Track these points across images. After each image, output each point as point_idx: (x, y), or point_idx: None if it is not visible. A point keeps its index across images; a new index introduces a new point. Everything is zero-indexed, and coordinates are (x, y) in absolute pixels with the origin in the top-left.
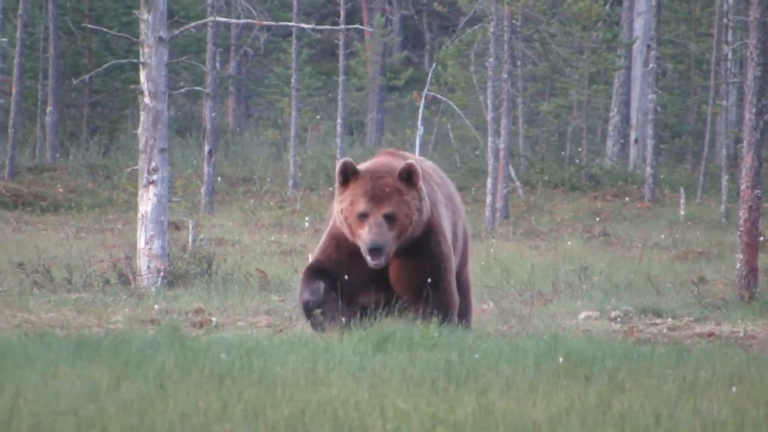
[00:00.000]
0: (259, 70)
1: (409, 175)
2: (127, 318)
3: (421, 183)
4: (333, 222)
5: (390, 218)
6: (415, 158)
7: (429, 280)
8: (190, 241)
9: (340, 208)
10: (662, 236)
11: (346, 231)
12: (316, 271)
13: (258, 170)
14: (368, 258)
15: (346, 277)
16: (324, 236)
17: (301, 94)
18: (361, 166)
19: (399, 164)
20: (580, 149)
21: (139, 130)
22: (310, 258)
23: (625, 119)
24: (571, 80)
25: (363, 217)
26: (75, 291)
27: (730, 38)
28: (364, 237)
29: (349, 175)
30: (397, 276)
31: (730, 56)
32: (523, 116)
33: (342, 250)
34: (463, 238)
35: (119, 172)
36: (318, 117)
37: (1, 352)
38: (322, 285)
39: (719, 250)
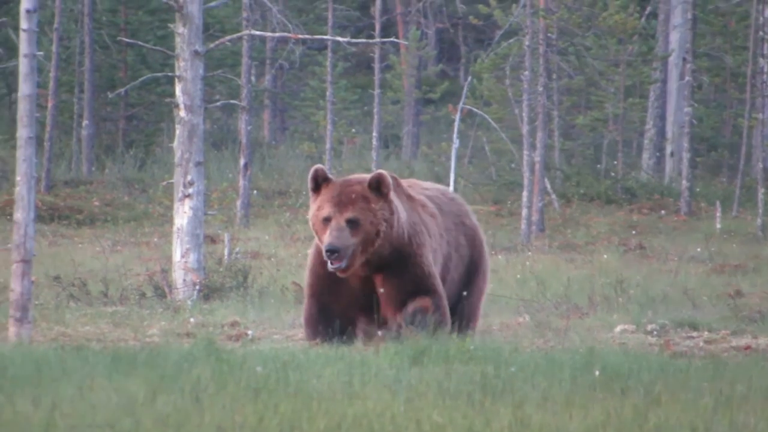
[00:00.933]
0: (294, 84)
1: (378, 185)
2: (163, 331)
3: (392, 195)
4: (316, 241)
5: (353, 223)
6: (423, 186)
7: (416, 297)
8: (225, 254)
9: (310, 214)
10: (698, 249)
11: (316, 238)
12: (314, 307)
13: (294, 183)
14: (328, 263)
15: (338, 298)
16: (308, 260)
17: (337, 108)
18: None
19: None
20: (615, 162)
21: (175, 144)
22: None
23: (661, 132)
24: (607, 93)
25: (326, 221)
26: (111, 304)
27: (766, 51)
28: (325, 240)
29: (319, 181)
30: (383, 293)
31: (766, 69)
32: (558, 129)
33: (324, 264)
34: (475, 256)
35: (155, 186)
36: (353, 130)
37: (38, 365)
38: (320, 328)
39: (755, 263)
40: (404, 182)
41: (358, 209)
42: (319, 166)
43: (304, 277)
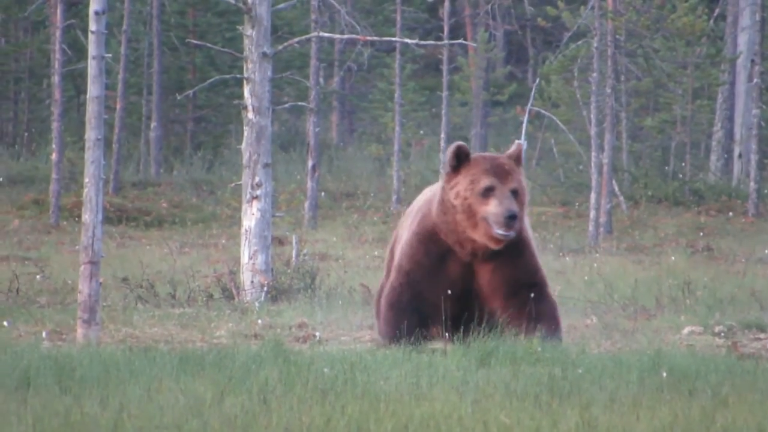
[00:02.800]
0: (362, 85)
1: (518, 156)
2: (231, 333)
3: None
4: (421, 223)
5: (515, 193)
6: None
7: (531, 293)
8: (293, 255)
9: (453, 192)
10: (766, 251)
11: (458, 218)
12: (406, 294)
13: (361, 185)
14: (500, 232)
15: (431, 288)
16: (405, 246)
17: (405, 110)
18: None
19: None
20: (683, 164)
21: (243, 145)
22: (388, 279)
23: (729, 134)
24: (675, 95)
25: (489, 191)
26: (179, 306)
27: None
28: (495, 209)
29: (462, 159)
30: (488, 284)
31: None
32: (626, 131)
33: (431, 255)
34: None
35: (223, 187)
36: (421, 132)
37: (106, 367)
38: (407, 317)
39: None
40: None
41: (516, 180)
42: (460, 142)
43: (397, 264)
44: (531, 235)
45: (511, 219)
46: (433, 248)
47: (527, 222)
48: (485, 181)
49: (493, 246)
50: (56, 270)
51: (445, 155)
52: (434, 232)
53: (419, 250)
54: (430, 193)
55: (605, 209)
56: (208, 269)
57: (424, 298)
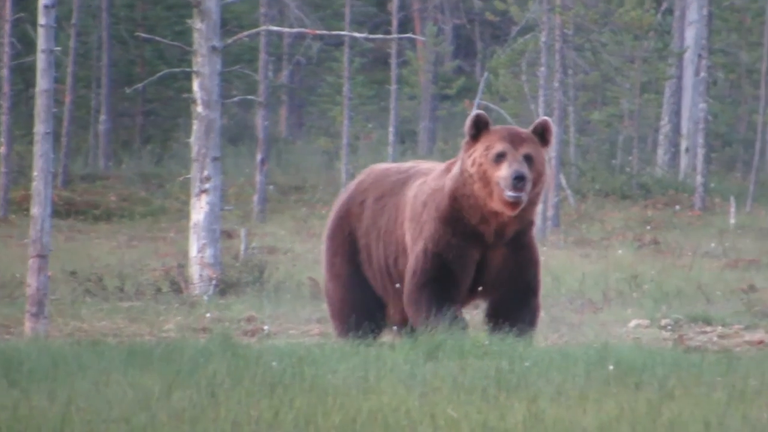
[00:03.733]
0: (311, 79)
1: (543, 131)
2: (179, 326)
3: (551, 146)
4: (435, 213)
5: (528, 159)
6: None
7: (525, 292)
8: (242, 249)
9: (470, 160)
10: (712, 245)
11: (474, 187)
12: (434, 272)
13: (310, 179)
14: (509, 194)
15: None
16: (429, 227)
17: (353, 103)
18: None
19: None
20: (630, 158)
21: (192, 139)
22: (413, 263)
23: (676, 128)
24: (622, 89)
25: (501, 156)
26: (127, 299)
27: None
28: (504, 173)
29: (481, 127)
30: (498, 269)
31: None
32: (574, 125)
33: (458, 236)
34: None
35: (172, 181)
36: (370, 126)
37: (54, 360)
38: (441, 311)
39: None
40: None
41: (531, 147)
42: (480, 111)
43: (421, 250)
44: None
45: (519, 180)
46: (459, 228)
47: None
48: (498, 147)
49: (509, 211)
50: (4, 263)
51: (465, 124)
52: (458, 214)
53: (443, 230)
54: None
55: (553, 203)
56: (157, 263)
57: (453, 280)
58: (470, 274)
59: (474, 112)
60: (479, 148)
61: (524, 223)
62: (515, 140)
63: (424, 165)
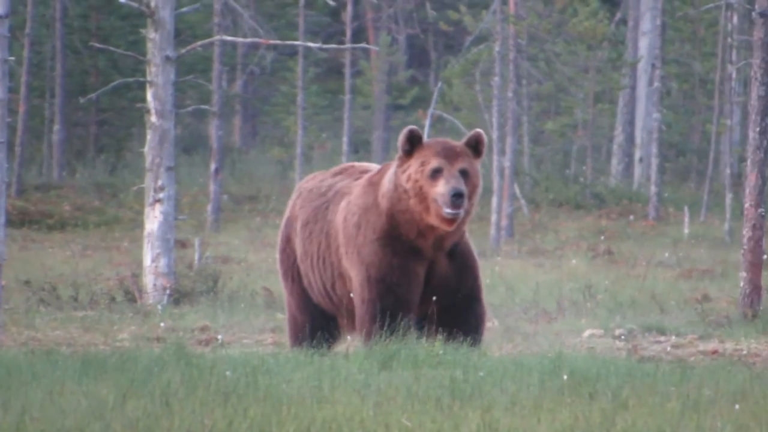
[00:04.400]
0: (265, 89)
1: (476, 144)
2: (133, 336)
3: (483, 157)
4: (373, 234)
5: (464, 173)
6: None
7: (469, 301)
8: (196, 259)
9: (405, 176)
10: (666, 254)
11: (410, 203)
12: (380, 313)
13: (264, 188)
14: (447, 210)
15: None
16: (368, 256)
17: (307, 113)
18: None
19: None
20: (584, 168)
21: (146, 149)
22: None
23: (630, 138)
24: (576, 99)
25: (437, 172)
26: (81, 309)
27: (734, 58)
28: (441, 189)
29: (415, 143)
30: (442, 280)
31: (734, 76)
32: (528, 135)
33: (396, 253)
34: None
35: (126, 191)
36: (324, 135)
37: (8, 370)
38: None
39: (723, 269)
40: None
41: (467, 161)
42: (413, 126)
43: (363, 278)
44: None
45: (457, 197)
46: (398, 246)
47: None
48: (434, 163)
49: (446, 227)
50: None
51: (399, 140)
52: (396, 231)
53: (386, 252)
54: (359, 202)
55: (507, 213)
56: (111, 272)
57: (403, 303)
58: (418, 291)
59: (407, 128)
60: (414, 164)
61: (460, 233)
62: (450, 155)
63: (357, 168)
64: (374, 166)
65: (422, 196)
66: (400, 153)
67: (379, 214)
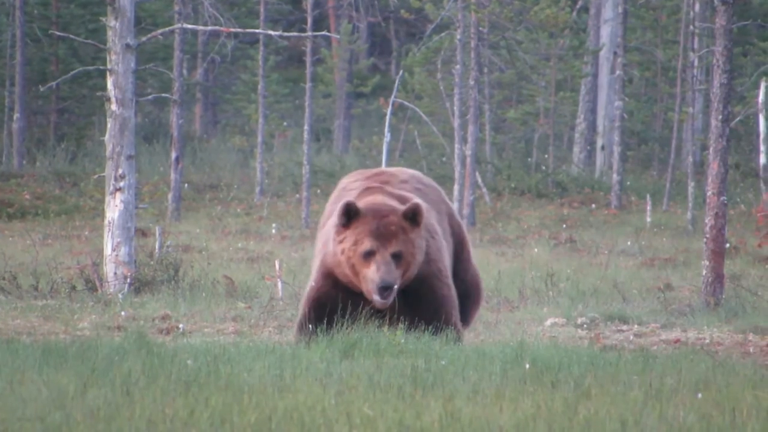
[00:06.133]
0: (226, 77)
1: (414, 215)
2: (94, 325)
3: (424, 222)
4: (323, 261)
5: (397, 257)
6: (400, 178)
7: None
8: (157, 247)
9: (340, 249)
10: (629, 243)
11: (346, 272)
12: (313, 311)
13: (225, 177)
14: (376, 297)
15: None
16: (316, 273)
17: (268, 101)
18: (360, 204)
19: (398, 205)
20: (546, 156)
21: (106, 137)
22: (308, 290)
23: (592, 126)
24: (538, 87)
25: (369, 255)
26: (42, 298)
27: (696, 46)
28: (372, 276)
29: (352, 215)
30: (396, 317)
31: (696, 63)
32: (489, 123)
33: (339, 288)
34: (458, 234)
35: (86, 179)
36: (285, 124)
37: None
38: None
39: (685, 257)
40: (374, 173)
41: (401, 242)
42: (350, 200)
43: (307, 290)
44: (440, 257)
45: (385, 289)
46: (341, 283)
47: (436, 227)
48: (367, 244)
49: (378, 306)
50: None
51: (336, 212)
52: (337, 279)
53: (326, 283)
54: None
55: (468, 201)
56: (71, 261)
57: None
58: (362, 311)
59: (344, 201)
60: (348, 240)
61: (409, 281)
62: (384, 236)
63: (384, 175)
64: (405, 173)
65: (355, 272)
66: (337, 223)
67: (325, 256)
